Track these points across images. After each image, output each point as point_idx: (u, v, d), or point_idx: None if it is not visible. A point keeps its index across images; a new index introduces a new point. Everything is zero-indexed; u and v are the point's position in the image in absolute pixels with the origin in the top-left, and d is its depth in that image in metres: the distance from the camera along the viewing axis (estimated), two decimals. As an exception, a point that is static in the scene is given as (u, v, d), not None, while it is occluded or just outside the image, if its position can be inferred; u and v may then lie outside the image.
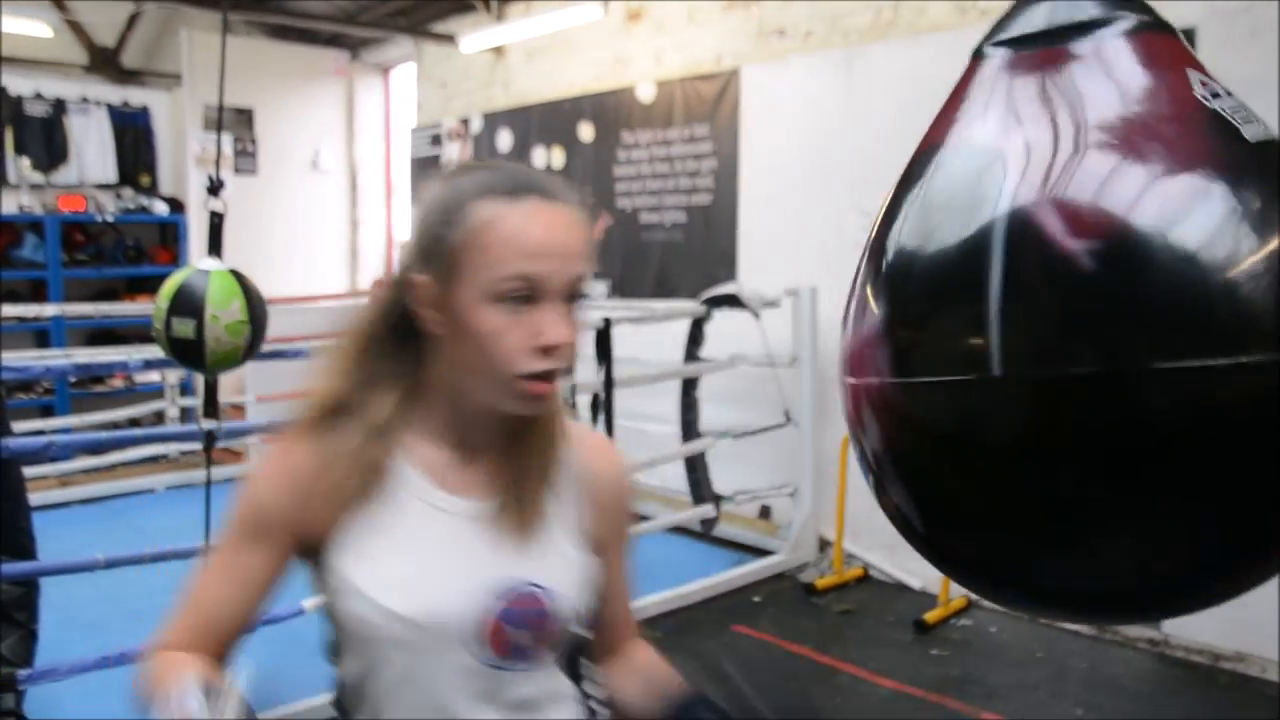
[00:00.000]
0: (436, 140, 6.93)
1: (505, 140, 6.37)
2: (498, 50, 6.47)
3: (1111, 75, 0.83)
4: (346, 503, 0.99)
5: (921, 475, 0.89)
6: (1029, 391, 0.78)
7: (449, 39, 6.43)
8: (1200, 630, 3.51)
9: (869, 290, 0.91)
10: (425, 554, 0.99)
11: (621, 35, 5.65)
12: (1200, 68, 0.85)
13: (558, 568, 1.02)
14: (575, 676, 1.10)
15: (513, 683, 1.01)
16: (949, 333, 0.82)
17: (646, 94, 5.45)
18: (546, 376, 0.95)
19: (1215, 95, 0.82)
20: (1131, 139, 0.79)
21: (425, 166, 7.04)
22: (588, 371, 3.77)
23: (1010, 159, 0.81)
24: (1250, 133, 0.81)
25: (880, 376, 0.87)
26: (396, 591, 0.97)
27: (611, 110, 5.66)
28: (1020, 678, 3.40)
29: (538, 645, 1.01)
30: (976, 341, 0.78)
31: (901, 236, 0.88)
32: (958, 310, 0.81)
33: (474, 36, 6.22)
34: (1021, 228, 0.78)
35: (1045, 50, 0.86)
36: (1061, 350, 0.76)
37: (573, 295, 0.96)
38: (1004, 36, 0.90)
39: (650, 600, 3.80)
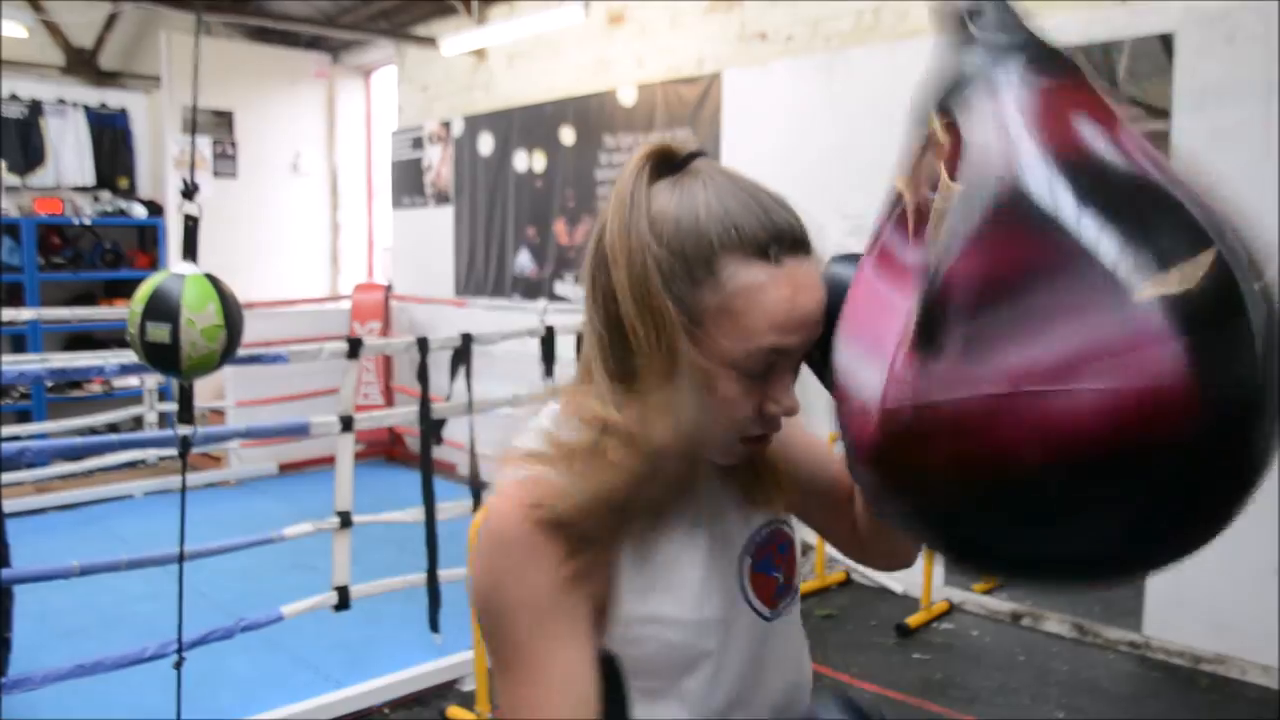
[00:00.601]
0: (418, 143, 6.91)
1: (486, 143, 6.36)
2: (479, 53, 6.46)
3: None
4: None
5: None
6: None
7: (430, 42, 6.41)
8: (1180, 633, 3.53)
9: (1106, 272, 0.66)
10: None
11: (603, 38, 5.65)
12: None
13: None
14: None
15: (783, 635, 0.95)
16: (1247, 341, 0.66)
17: (628, 97, 5.45)
18: (763, 437, 0.89)
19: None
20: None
21: (406, 170, 7.02)
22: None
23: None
24: None
25: (1156, 380, 0.64)
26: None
27: (593, 114, 5.66)
28: (1002, 681, 3.41)
29: (789, 577, 0.96)
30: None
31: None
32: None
33: (455, 39, 6.20)
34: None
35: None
36: None
37: (804, 357, 0.88)
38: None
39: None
